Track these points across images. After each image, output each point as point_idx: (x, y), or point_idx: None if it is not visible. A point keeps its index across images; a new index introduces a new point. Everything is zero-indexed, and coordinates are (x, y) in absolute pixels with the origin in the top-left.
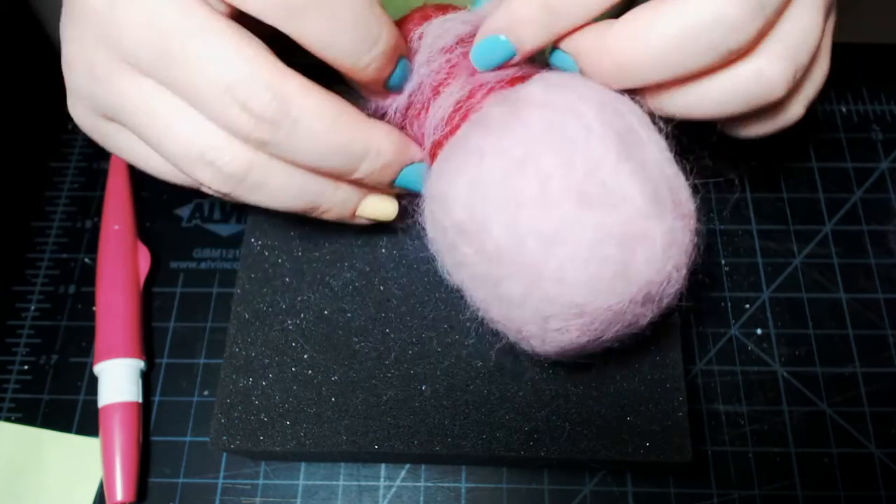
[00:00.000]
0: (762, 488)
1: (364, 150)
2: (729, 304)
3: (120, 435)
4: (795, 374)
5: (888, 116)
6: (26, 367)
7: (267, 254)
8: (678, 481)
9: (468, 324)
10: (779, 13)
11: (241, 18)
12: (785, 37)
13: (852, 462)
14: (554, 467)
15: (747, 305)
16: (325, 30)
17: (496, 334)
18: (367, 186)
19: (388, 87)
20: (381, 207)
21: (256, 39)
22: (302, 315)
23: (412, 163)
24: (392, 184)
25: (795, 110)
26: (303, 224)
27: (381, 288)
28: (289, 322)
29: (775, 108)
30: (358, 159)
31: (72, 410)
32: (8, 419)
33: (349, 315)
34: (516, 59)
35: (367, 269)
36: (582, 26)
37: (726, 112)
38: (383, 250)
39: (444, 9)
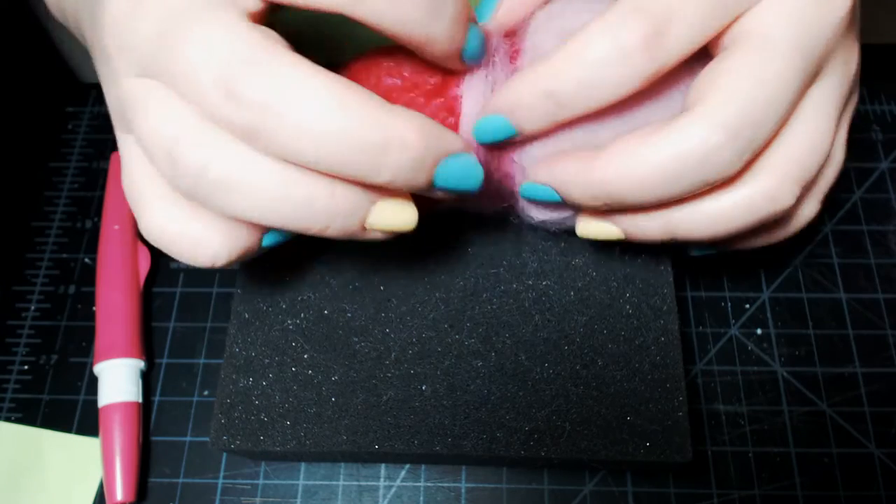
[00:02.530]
0: (762, 488)
1: (384, 140)
2: (729, 304)
3: (120, 435)
4: (795, 374)
5: (888, 116)
6: (26, 367)
7: (267, 253)
8: (678, 481)
9: (469, 323)
10: (774, 136)
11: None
12: (791, 152)
13: (852, 462)
14: (554, 467)
15: (747, 305)
16: (390, 5)
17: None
18: (393, 192)
19: (466, 57)
20: (398, 215)
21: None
22: (302, 315)
23: (451, 154)
24: (431, 185)
25: (809, 210)
26: None
27: (382, 288)
28: (289, 322)
29: (786, 217)
30: (377, 154)
31: (72, 410)
32: (8, 419)
33: (349, 315)
34: (518, 139)
35: (368, 269)
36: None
37: (730, 231)
38: (384, 250)
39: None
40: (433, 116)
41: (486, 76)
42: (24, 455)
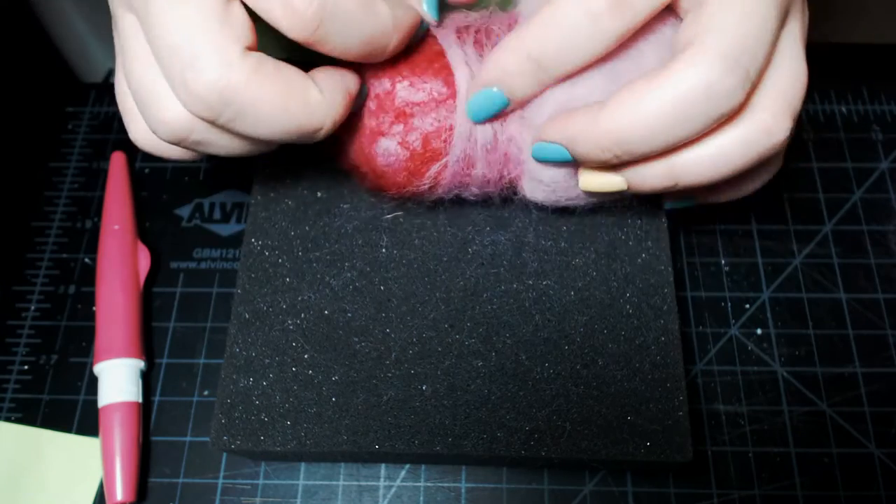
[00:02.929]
0: (762, 488)
1: (319, 124)
2: (729, 304)
3: (120, 435)
4: (795, 374)
5: (888, 116)
6: (26, 367)
7: (267, 254)
8: (678, 481)
9: (469, 323)
10: (764, 69)
11: None
12: (779, 86)
13: (852, 462)
14: (554, 467)
15: (747, 305)
16: (342, 49)
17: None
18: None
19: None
20: None
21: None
22: (302, 315)
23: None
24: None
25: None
26: (303, 224)
27: (382, 288)
28: (289, 322)
29: (775, 158)
30: (312, 133)
31: (72, 410)
32: (8, 419)
33: (349, 315)
34: (510, 107)
35: (368, 269)
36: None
37: (731, 172)
38: (384, 250)
39: None
40: (436, 75)
41: (462, 41)
42: (24, 455)
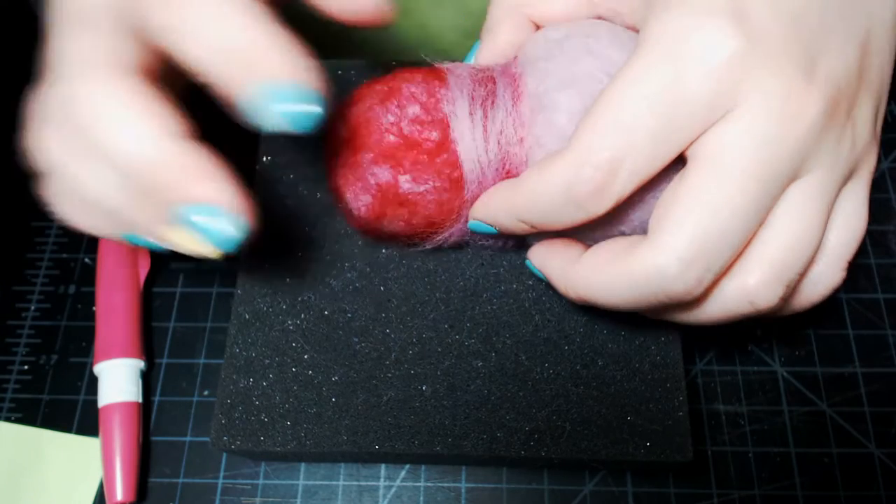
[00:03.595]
0: (762, 488)
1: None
2: None
3: (120, 435)
4: (795, 374)
5: (888, 116)
6: (26, 367)
7: (267, 254)
8: (678, 481)
9: (469, 323)
10: (740, 249)
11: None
12: (769, 253)
13: (852, 462)
14: (554, 467)
15: None
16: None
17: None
18: None
19: None
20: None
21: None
22: (302, 315)
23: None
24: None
25: (833, 280)
26: (303, 225)
27: (382, 288)
28: (289, 322)
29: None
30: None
31: (72, 410)
32: (8, 419)
33: (349, 315)
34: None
35: (368, 269)
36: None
37: (710, 324)
38: (384, 250)
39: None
40: (439, 173)
41: (472, 124)
42: (24, 455)
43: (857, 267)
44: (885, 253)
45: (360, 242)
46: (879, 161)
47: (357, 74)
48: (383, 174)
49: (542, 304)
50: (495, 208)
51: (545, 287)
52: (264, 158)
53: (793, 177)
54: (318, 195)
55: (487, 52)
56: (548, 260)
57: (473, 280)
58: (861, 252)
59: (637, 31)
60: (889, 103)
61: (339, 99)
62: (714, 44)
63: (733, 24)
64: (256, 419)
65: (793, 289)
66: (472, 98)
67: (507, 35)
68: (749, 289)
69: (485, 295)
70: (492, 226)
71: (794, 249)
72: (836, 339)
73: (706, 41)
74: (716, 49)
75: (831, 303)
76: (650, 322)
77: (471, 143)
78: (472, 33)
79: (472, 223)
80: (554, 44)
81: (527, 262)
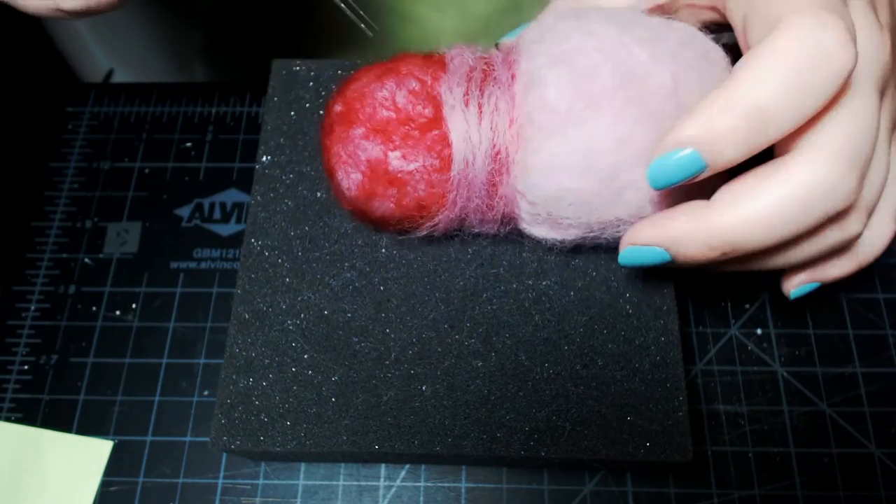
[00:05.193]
0: (762, 488)
1: None
2: (729, 304)
3: None
4: (795, 374)
5: None
6: (26, 367)
7: (267, 254)
8: (678, 481)
9: (469, 323)
10: (871, 160)
11: None
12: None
13: (852, 462)
14: (554, 467)
15: (747, 305)
16: None
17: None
18: None
19: None
20: None
21: None
22: (302, 315)
23: None
24: None
25: (889, 228)
26: (303, 224)
27: (382, 288)
28: (289, 322)
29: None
30: None
31: (72, 410)
32: (8, 419)
33: (349, 315)
34: (704, 175)
35: (368, 269)
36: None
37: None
38: (383, 250)
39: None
40: (429, 149)
41: (466, 104)
42: (24, 455)
43: None
44: (885, 253)
45: (359, 242)
46: None
47: None
48: (373, 150)
49: (541, 304)
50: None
51: (545, 287)
52: (264, 159)
53: (883, 96)
54: (318, 195)
55: None
56: (668, 222)
57: (473, 280)
58: None
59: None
60: None
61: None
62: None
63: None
64: (256, 419)
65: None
66: (469, 79)
67: None
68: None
69: (484, 295)
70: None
71: (880, 174)
72: (836, 339)
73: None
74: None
75: (831, 303)
76: (650, 322)
77: (463, 121)
78: (474, 38)
79: (627, 251)
80: (546, 27)
81: (625, 252)
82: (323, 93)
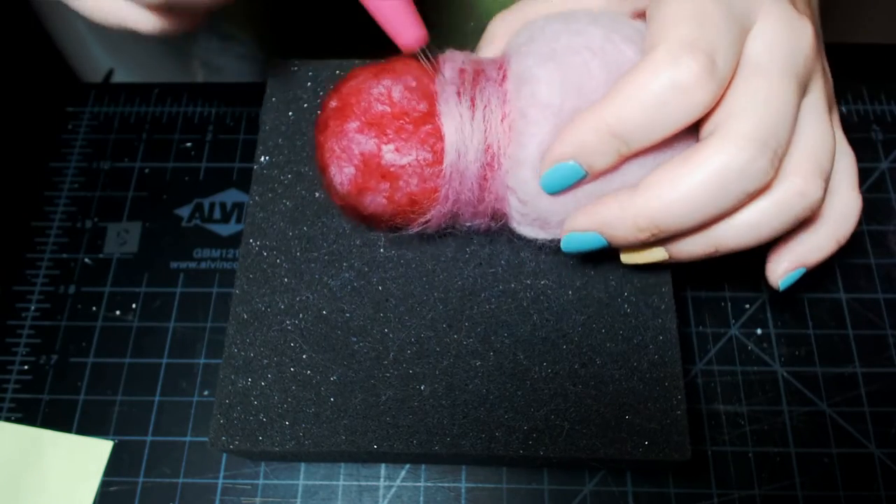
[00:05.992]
0: (762, 488)
1: None
2: (729, 304)
3: None
4: (795, 374)
5: (888, 116)
6: (26, 367)
7: (265, 254)
8: (678, 481)
9: (467, 323)
10: (789, 141)
11: None
12: (806, 152)
13: (852, 462)
14: (553, 466)
15: (747, 305)
16: None
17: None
18: None
19: None
20: None
21: None
22: (300, 315)
23: None
24: None
25: (853, 201)
26: (301, 225)
27: (380, 288)
28: (287, 322)
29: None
30: None
31: (72, 410)
32: (8, 419)
33: (348, 315)
34: (588, 179)
35: (366, 269)
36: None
37: (770, 235)
38: (382, 250)
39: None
40: (423, 142)
41: (459, 98)
42: (24, 455)
43: (857, 267)
44: (885, 253)
45: (357, 242)
46: (879, 161)
47: None
48: (367, 143)
49: (540, 304)
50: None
51: (543, 286)
52: (262, 159)
53: (806, 89)
54: (316, 195)
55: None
56: (600, 208)
57: (471, 279)
58: (861, 252)
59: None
60: (889, 104)
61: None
62: None
63: None
64: (255, 419)
65: (827, 184)
66: (462, 77)
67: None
68: (798, 184)
69: (483, 294)
70: (577, 161)
71: (821, 146)
72: (836, 339)
73: None
74: None
75: (831, 303)
76: (648, 321)
77: (456, 114)
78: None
79: (567, 237)
80: (536, 29)
81: (567, 238)
82: (321, 93)
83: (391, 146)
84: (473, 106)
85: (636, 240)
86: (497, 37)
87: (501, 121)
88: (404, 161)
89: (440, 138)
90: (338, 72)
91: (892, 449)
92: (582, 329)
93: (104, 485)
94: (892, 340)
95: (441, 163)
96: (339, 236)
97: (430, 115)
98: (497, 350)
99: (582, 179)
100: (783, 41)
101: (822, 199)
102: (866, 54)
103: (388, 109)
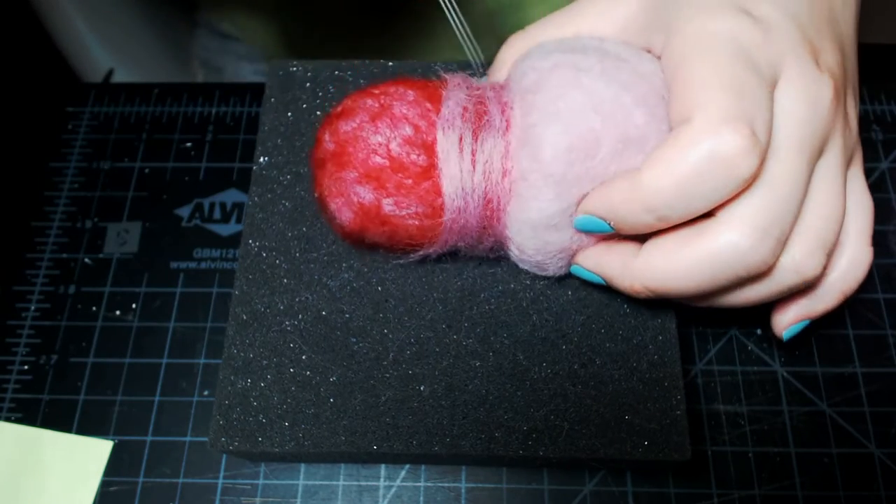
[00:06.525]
0: (762, 488)
1: None
2: None
3: None
4: (795, 374)
5: (888, 116)
6: (26, 367)
7: (264, 255)
8: (678, 481)
9: (466, 323)
10: (794, 222)
11: None
12: (812, 225)
13: (852, 462)
14: (553, 466)
15: None
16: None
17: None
18: None
19: None
20: None
21: None
22: (300, 316)
23: None
24: None
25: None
26: (300, 225)
27: (379, 288)
28: (287, 323)
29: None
30: None
31: (72, 410)
32: (8, 419)
33: (347, 316)
34: (616, 232)
35: (365, 269)
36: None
37: (761, 302)
38: (381, 251)
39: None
40: (421, 200)
41: (461, 152)
42: (24, 455)
43: None
44: (885, 253)
45: None
46: (879, 161)
47: (354, 75)
48: (366, 195)
49: (539, 304)
50: (617, 201)
51: (543, 287)
52: (261, 160)
53: (820, 154)
54: (315, 195)
55: None
56: (605, 258)
57: (471, 280)
58: None
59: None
60: (889, 104)
61: (336, 99)
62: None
63: (745, 15)
64: (254, 420)
65: (830, 257)
66: (463, 123)
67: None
68: (797, 260)
69: (482, 295)
70: (607, 222)
71: (828, 218)
72: (836, 339)
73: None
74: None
75: None
76: (648, 321)
77: (457, 171)
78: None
79: (579, 218)
80: (542, 74)
81: (574, 268)
82: (320, 93)
83: (390, 199)
84: (474, 160)
85: (635, 294)
86: (507, 65)
87: (503, 178)
88: (404, 213)
89: (439, 194)
90: (336, 72)
91: (892, 449)
92: (581, 329)
93: (104, 485)
94: (892, 340)
95: (441, 216)
96: (338, 237)
97: (430, 169)
98: (496, 350)
99: (610, 231)
100: (800, 108)
101: (822, 272)
102: (866, 54)
103: (387, 163)
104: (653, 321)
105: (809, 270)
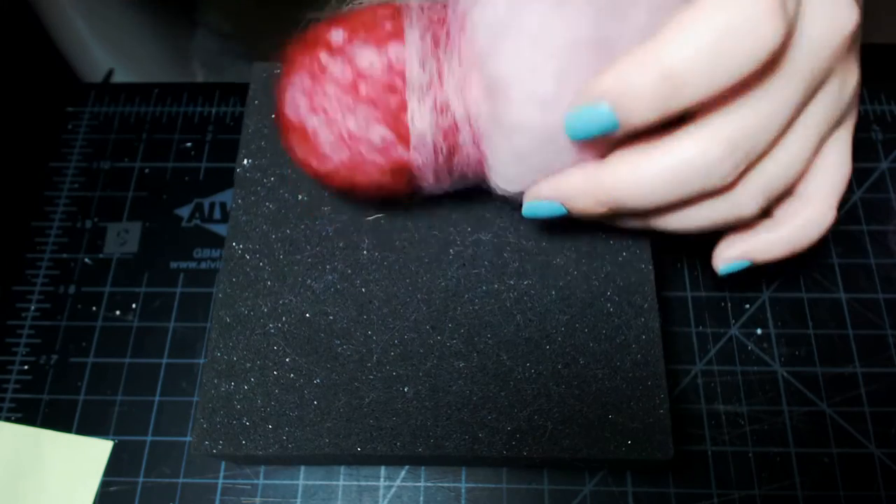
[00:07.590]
0: (762, 488)
1: None
2: (729, 304)
3: None
4: (795, 374)
5: (888, 116)
6: (26, 367)
7: (248, 258)
8: (678, 481)
9: (450, 324)
10: (764, 153)
11: None
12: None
13: (852, 462)
14: (542, 466)
15: (747, 305)
16: None
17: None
18: None
19: None
20: None
21: None
22: (283, 318)
23: None
24: None
25: (827, 218)
26: (284, 227)
27: (363, 290)
28: (270, 326)
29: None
30: None
31: (72, 410)
32: (8, 419)
33: (331, 318)
34: (616, 134)
35: (349, 271)
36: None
37: (708, 229)
38: (365, 252)
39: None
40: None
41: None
42: (24, 455)
43: (857, 267)
44: (885, 253)
45: (341, 245)
46: (879, 161)
47: None
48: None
49: (523, 304)
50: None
51: (526, 286)
52: (245, 162)
53: (817, 90)
54: (300, 197)
55: None
56: (565, 179)
57: (455, 280)
58: (861, 252)
59: None
60: (889, 104)
61: None
62: None
63: None
64: (238, 423)
65: (772, 202)
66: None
67: None
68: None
69: (466, 295)
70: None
71: (786, 166)
72: (836, 339)
73: None
74: None
75: (831, 303)
76: (631, 321)
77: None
78: None
79: (528, 205)
80: None
81: (527, 206)
82: None
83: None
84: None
85: (594, 212)
86: None
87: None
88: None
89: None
90: None
91: (892, 449)
92: (565, 329)
93: (104, 485)
94: (892, 340)
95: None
96: (322, 239)
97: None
98: (480, 351)
99: (612, 131)
100: (810, 30)
101: (758, 212)
102: (867, 54)
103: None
104: (636, 321)
105: (745, 209)
